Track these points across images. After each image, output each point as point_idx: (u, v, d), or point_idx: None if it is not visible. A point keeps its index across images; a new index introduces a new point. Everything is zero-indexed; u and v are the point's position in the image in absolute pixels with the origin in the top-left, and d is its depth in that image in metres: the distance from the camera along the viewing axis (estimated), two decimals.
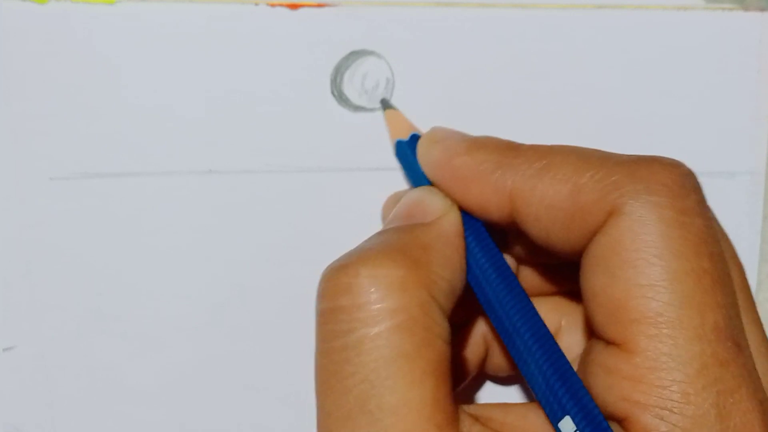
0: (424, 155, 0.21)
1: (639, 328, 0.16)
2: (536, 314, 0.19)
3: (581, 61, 0.26)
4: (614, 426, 0.17)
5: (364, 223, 0.25)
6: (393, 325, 0.17)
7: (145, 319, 0.26)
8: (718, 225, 0.20)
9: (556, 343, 0.18)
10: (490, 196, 0.19)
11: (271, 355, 0.26)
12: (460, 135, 0.21)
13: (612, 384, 0.17)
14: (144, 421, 0.26)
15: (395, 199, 0.24)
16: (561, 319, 0.23)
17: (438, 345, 0.17)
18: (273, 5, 0.25)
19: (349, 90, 0.26)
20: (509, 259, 0.22)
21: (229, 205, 0.26)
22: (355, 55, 0.26)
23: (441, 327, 0.18)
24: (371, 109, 0.26)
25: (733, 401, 0.16)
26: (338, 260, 0.18)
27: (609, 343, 0.17)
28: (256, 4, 0.25)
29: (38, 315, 0.26)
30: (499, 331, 0.19)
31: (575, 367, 0.18)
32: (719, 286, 0.17)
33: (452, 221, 0.19)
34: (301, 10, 0.25)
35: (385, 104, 0.25)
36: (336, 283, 0.17)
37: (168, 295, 0.26)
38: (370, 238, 0.19)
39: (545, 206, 0.18)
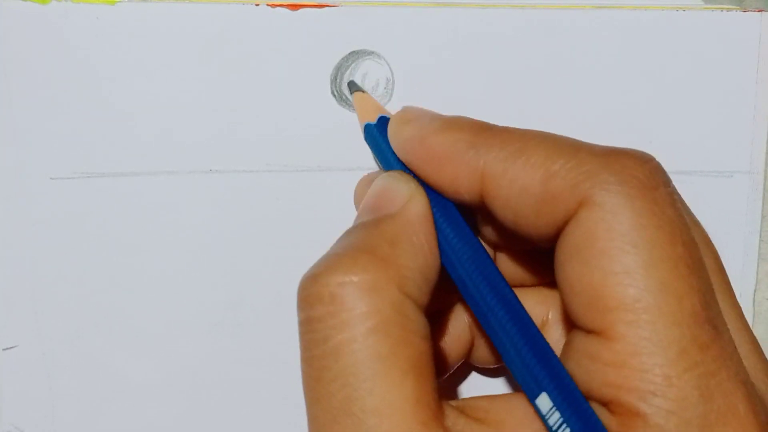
0: (395, 135, 0.21)
1: (617, 315, 0.16)
2: (510, 291, 0.19)
3: (581, 61, 0.26)
4: (601, 410, 0.17)
5: None
6: (367, 329, 0.17)
7: (145, 319, 0.26)
8: (691, 215, 0.20)
9: (531, 321, 0.18)
10: (462, 177, 0.19)
11: (271, 355, 0.26)
12: (433, 114, 0.21)
13: (595, 371, 0.17)
14: (144, 421, 0.26)
15: (366, 182, 0.24)
16: (548, 311, 0.23)
17: (415, 342, 0.17)
18: (273, 6, 0.25)
19: (349, 90, 0.26)
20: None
21: (229, 204, 0.26)
22: (355, 55, 0.26)
23: (417, 324, 0.18)
24: None
25: (715, 383, 0.16)
26: (310, 269, 0.18)
27: (589, 332, 0.17)
28: (257, 5, 0.25)
29: (38, 315, 0.26)
30: (474, 310, 0.19)
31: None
32: (694, 272, 0.17)
33: (418, 206, 0.19)
34: (301, 11, 0.25)
35: (353, 87, 0.25)
36: (309, 294, 0.18)
37: (168, 295, 0.26)
38: (340, 239, 0.19)
39: (516, 190, 0.18)
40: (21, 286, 0.26)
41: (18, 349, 0.26)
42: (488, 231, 0.22)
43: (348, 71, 0.26)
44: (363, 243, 0.18)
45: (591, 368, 0.17)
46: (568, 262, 0.17)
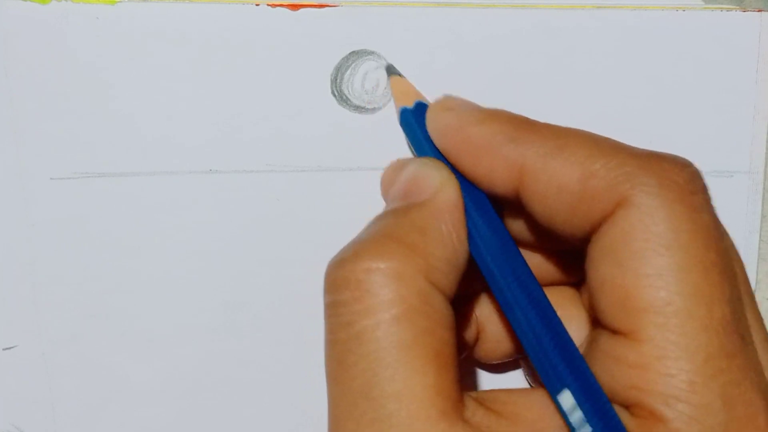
0: (434, 122, 0.21)
1: (647, 317, 0.16)
2: (538, 286, 0.19)
3: (580, 60, 0.26)
4: (622, 412, 0.17)
5: (365, 223, 0.25)
6: (391, 316, 0.17)
7: (145, 319, 0.26)
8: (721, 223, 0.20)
9: (557, 317, 0.18)
10: (500, 169, 0.19)
11: (272, 355, 0.26)
12: (473, 105, 0.21)
13: (619, 372, 0.17)
14: (144, 421, 0.26)
15: (394, 167, 0.24)
16: (558, 310, 0.23)
17: (438, 332, 0.17)
18: (273, 6, 0.25)
19: (349, 90, 0.26)
20: None
21: (229, 204, 0.26)
22: (355, 55, 0.26)
23: (441, 314, 0.18)
24: (371, 109, 0.26)
25: (738, 393, 0.16)
26: (338, 254, 0.18)
27: (615, 332, 0.17)
28: (257, 5, 0.25)
29: (38, 315, 0.26)
30: (500, 302, 0.19)
31: None
32: (726, 280, 0.17)
33: (449, 195, 0.19)
34: (301, 11, 0.25)
35: (391, 71, 0.25)
36: (336, 278, 0.18)
37: (168, 295, 0.26)
38: (369, 225, 0.19)
39: (554, 187, 0.18)
40: (21, 286, 0.26)
41: (18, 349, 0.26)
42: (515, 225, 0.22)
43: (348, 71, 0.26)
44: (391, 230, 0.18)
45: (615, 369, 0.17)
46: (601, 262, 0.17)
